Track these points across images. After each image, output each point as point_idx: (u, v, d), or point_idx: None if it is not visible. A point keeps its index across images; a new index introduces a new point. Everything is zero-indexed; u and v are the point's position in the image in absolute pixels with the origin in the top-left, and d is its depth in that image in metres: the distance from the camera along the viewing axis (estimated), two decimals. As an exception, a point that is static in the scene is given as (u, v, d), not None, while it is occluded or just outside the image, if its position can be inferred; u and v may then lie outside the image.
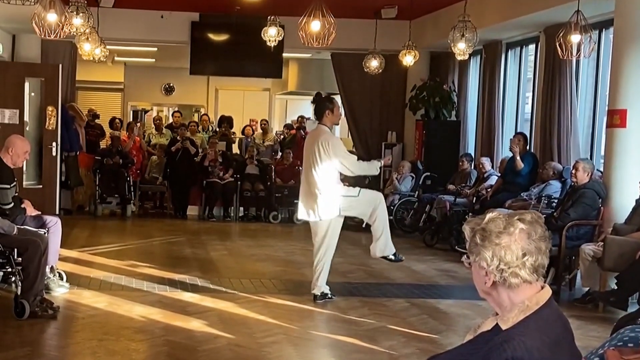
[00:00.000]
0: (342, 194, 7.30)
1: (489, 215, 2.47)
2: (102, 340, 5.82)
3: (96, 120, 15.48)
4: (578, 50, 8.30)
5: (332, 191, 7.23)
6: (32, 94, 12.83)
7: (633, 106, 7.86)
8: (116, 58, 18.90)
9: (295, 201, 13.28)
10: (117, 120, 15.38)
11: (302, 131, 15.02)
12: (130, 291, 7.54)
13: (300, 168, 13.68)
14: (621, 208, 7.92)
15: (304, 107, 20.56)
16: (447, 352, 2.71)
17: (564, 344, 2.43)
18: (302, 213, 7.45)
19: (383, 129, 14.57)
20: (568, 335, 2.47)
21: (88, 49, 11.33)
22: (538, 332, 2.35)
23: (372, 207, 7.33)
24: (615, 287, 7.09)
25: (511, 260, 2.39)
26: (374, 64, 12.05)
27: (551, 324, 2.41)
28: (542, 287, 2.46)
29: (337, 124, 7.80)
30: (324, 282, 7.40)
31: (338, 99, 16.91)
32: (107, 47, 12.21)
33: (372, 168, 7.59)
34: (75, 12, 9.24)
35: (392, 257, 7.51)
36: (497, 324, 2.47)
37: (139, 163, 14.23)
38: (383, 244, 7.42)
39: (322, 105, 7.37)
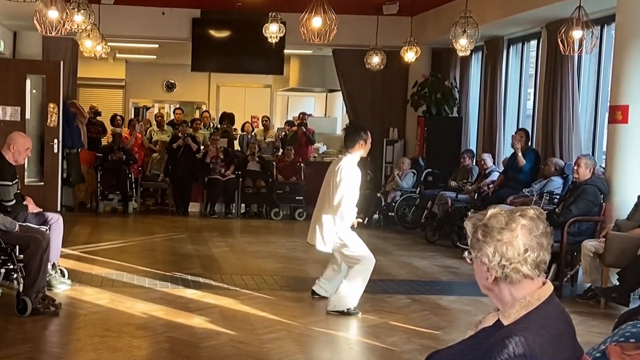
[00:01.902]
0: (342, 235, 6.87)
1: (490, 211, 2.47)
2: (104, 337, 5.83)
3: (97, 117, 15.50)
4: (580, 46, 8.30)
5: (335, 223, 6.85)
6: (34, 90, 12.84)
7: (635, 102, 7.85)
8: (117, 55, 18.93)
9: (297, 197, 13.43)
10: (118, 117, 15.39)
11: (303, 128, 15.01)
12: (132, 288, 7.54)
13: (302, 164, 13.81)
14: (623, 204, 7.91)
15: (306, 104, 20.61)
16: (449, 348, 2.71)
17: (566, 339, 2.42)
18: (310, 237, 7.15)
19: (385, 125, 14.58)
20: (570, 331, 2.47)
21: (89, 45, 11.34)
22: (540, 328, 2.35)
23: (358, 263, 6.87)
24: (617, 283, 7.09)
25: (513, 256, 2.39)
26: (375, 60, 12.04)
27: (553, 320, 2.41)
28: (544, 283, 2.46)
29: (365, 156, 7.18)
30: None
31: (339, 95, 17.07)
32: (109, 44, 12.23)
33: (349, 217, 6.88)
34: (76, 9, 9.24)
35: (345, 310, 6.81)
36: (498, 319, 2.47)
37: (140, 160, 14.24)
38: (341, 297, 6.84)
39: (357, 134, 6.98)
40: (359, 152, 6.97)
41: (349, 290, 6.82)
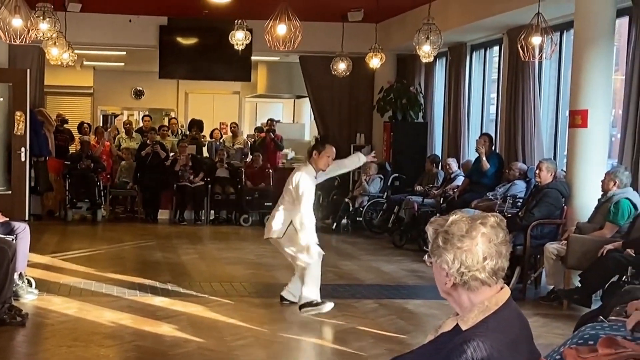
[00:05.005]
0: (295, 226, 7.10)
1: (452, 218, 2.49)
2: (71, 346, 5.82)
3: (65, 125, 15.40)
4: (540, 51, 8.40)
5: (289, 214, 7.11)
6: (1, 99, 12.71)
7: (594, 106, 7.98)
8: (85, 62, 18.81)
9: (266, 203, 13.43)
10: (85, 124, 15.30)
11: (271, 134, 15.06)
12: (100, 296, 7.52)
13: (270, 170, 13.85)
14: (584, 207, 8.05)
15: (274, 110, 20.64)
16: (410, 353, 2.73)
17: (523, 343, 2.48)
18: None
19: (351, 131, 14.67)
20: (527, 335, 2.53)
21: (56, 53, 11.25)
22: (497, 332, 2.40)
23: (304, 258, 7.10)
24: (579, 285, 7.24)
25: (472, 264, 2.43)
26: (341, 66, 12.08)
27: (510, 324, 2.46)
28: (502, 288, 2.50)
29: (323, 170, 7.30)
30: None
31: (306, 101, 17.13)
32: (76, 51, 12.16)
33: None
34: (41, 17, 9.17)
35: (313, 302, 7.08)
36: (457, 324, 2.50)
37: (109, 167, 14.18)
38: (304, 298, 7.09)
39: (312, 146, 7.35)
40: (314, 163, 7.16)
41: (308, 291, 7.01)
